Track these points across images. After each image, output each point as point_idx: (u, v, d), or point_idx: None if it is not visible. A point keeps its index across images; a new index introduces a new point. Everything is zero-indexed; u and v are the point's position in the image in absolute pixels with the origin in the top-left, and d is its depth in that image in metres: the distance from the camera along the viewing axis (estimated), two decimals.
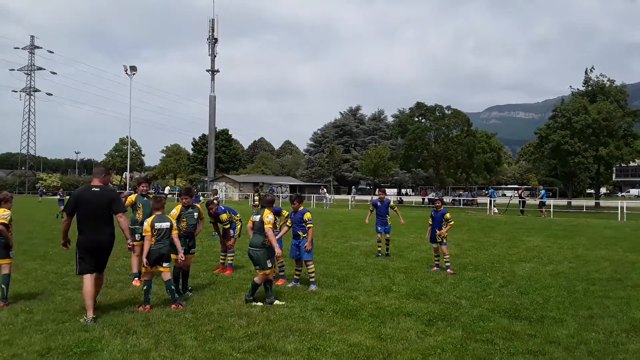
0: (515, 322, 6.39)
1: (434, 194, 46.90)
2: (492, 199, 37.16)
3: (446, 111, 54.12)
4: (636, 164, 51.09)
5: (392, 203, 12.59)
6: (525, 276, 9.74)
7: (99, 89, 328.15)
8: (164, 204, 7.31)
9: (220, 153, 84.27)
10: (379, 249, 12.26)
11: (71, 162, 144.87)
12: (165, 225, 7.00)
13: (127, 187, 63.13)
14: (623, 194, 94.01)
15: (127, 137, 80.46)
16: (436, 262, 10.47)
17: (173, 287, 7.07)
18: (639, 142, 46.06)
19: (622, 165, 51.56)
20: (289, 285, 8.54)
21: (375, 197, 13.20)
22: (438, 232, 10.29)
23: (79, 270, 6.59)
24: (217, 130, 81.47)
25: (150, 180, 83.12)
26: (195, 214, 8.00)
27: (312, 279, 8.37)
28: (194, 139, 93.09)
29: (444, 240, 10.27)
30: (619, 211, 29.48)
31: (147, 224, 6.98)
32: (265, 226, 7.26)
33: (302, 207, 8.67)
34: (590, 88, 47.13)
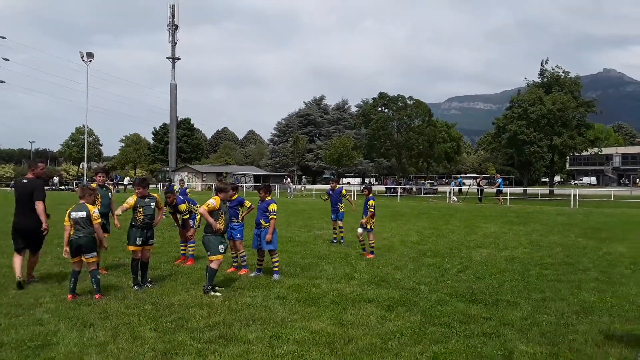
0: (471, 306, 6.59)
1: (391, 181, 47.77)
2: (460, 187, 38.10)
3: (408, 101, 54.85)
4: (588, 153, 53.16)
5: (343, 192, 13.02)
6: (482, 261, 10.04)
7: (54, 76, 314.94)
8: (89, 194, 7.25)
9: (182, 143, 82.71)
10: (334, 235, 12.78)
11: (25, 152, 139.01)
12: (81, 214, 6.93)
13: (85, 177, 61.19)
14: (576, 182, 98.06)
15: (83, 126, 77.87)
16: (363, 247, 10.69)
17: (99, 277, 7.06)
18: (591, 132, 47.95)
19: (576, 154, 53.60)
20: (252, 275, 8.51)
21: (328, 187, 13.63)
22: (363, 218, 10.49)
23: (14, 248, 7.71)
24: (179, 119, 79.89)
25: (109, 170, 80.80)
26: (153, 203, 7.81)
27: (276, 269, 8.38)
28: (154, 128, 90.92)
29: (370, 227, 10.52)
30: (572, 199, 30.75)
31: (66, 214, 6.99)
32: (201, 207, 7.34)
33: (269, 197, 8.64)
34: (545, 79, 48.59)
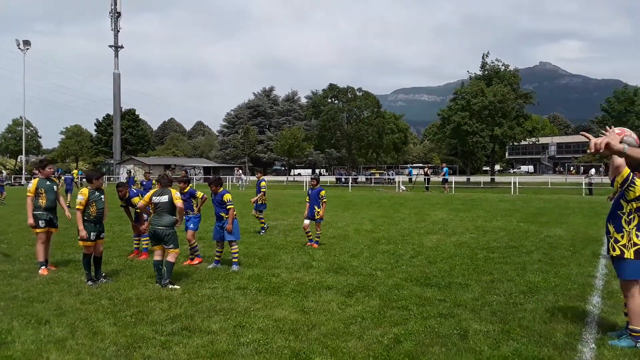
0: (426, 289, 6.88)
1: (341, 172, 48.40)
2: (411, 176, 39.12)
3: (358, 93, 55.52)
4: (526, 143, 55.84)
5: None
6: (433, 247, 10.45)
7: None
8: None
9: (127, 134, 79.96)
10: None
11: None
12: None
13: (23, 170, 57.93)
14: (515, 170, 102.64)
15: (21, 117, 73.52)
16: (309, 238, 10.73)
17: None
18: (529, 123, 50.33)
19: (515, 144, 56.12)
20: (210, 266, 8.46)
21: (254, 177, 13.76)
22: (317, 209, 10.60)
23: None
24: (123, 110, 77.04)
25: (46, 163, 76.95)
26: (103, 197, 7.60)
27: (235, 260, 8.37)
28: (97, 119, 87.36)
29: (322, 218, 10.71)
30: (512, 186, 32.32)
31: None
32: (176, 202, 7.25)
33: (221, 189, 8.60)
34: (486, 72, 50.50)
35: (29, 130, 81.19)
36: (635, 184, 4.71)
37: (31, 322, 5.50)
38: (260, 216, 13.15)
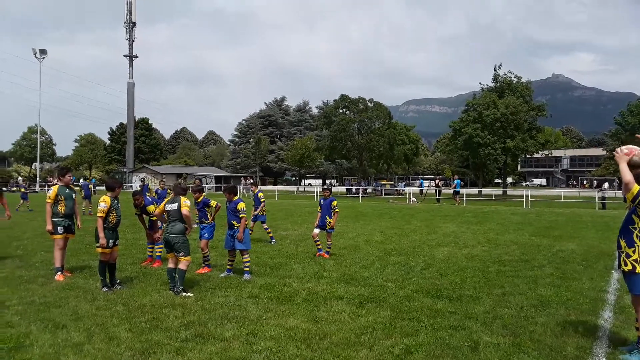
0: (437, 301, 6.91)
1: (351, 183, 48.60)
2: (421, 188, 39.08)
3: (369, 104, 55.66)
4: (539, 155, 55.48)
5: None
6: (444, 259, 10.45)
7: (2, 73, 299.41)
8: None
9: (139, 143, 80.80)
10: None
11: None
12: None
13: (38, 178, 58.78)
14: (527, 183, 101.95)
15: (36, 125, 74.73)
16: (319, 247, 10.73)
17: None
18: (542, 135, 50.05)
19: (527, 156, 55.80)
20: (222, 275, 8.55)
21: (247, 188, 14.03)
22: (328, 219, 10.60)
23: None
24: (136, 119, 77.99)
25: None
26: (119, 205, 7.80)
27: (247, 269, 8.45)
28: (110, 128, 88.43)
29: (333, 228, 10.68)
30: (524, 199, 32.11)
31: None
32: (182, 209, 7.30)
33: (236, 197, 8.72)
34: (498, 84, 50.34)
35: (43, 138, 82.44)
36: None
37: (48, 326, 5.63)
38: (265, 226, 13.37)
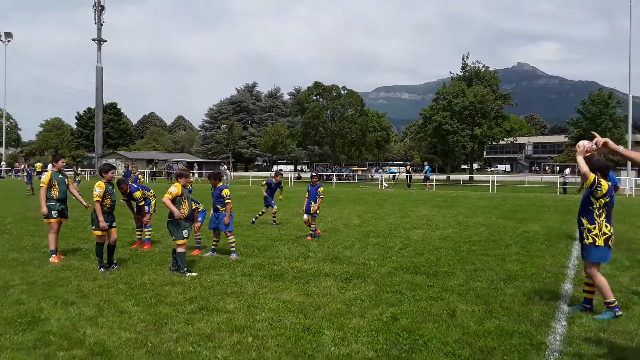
0: (416, 277, 7.55)
1: (320, 169, 49.58)
2: (394, 174, 40.20)
3: (342, 91, 56.19)
4: (504, 142, 57.32)
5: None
6: (419, 240, 11.15)
7: None
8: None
9: (108, 128, 79.28)
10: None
11: None
12: None
13: (2, 163, 57.08)
14: (492, 169, 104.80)
15: (1, 109, 72.24)
16: (311, 232, 11.33)
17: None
18: (507, 123, 51.76)
19: (493, 143, 57.58)
20: (207, 254, 9.01)
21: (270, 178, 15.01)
22: (313, 204, 11.18)
23: None
24: (105, 103, 76.28)
25: (28, 157, 75.67)
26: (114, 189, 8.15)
27: (232, 249, 8.94)
28: (78, 113, 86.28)
29: (317, 212, 11.26)
30: (490, 184, 33.41)
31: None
32: (165, 196, 7.61)
33: (220, 184, 9.14)
34: (467, 73, 51.69)
35: (8, 123, 79.76)
36: (601, 184, 5.63)
37: (58, 303, 5.98)
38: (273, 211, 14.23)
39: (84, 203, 8.96)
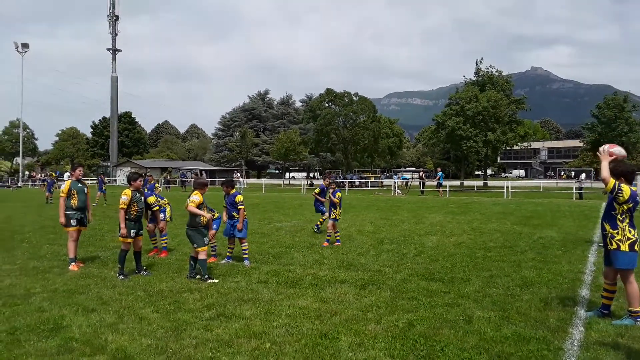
0: (431, 283, 7.55)
1: (334, 176, 49.65)
2: (407, 180, 40.26)
3: (354, 98, 56.31)
4: (518, 147, 56.87)
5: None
6: (434, 247, 11.13)
7: None
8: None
9: (123, 137, 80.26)
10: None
11: None
12: None
13: (20, 173, 58.01)
14: (506, 174, 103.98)
15: (17, 119, 73.64)
16: (337, 238, 11.55)
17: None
18: (521, 128, 51.35)
19: (507, 148, 57.19)
20: (222, 262, 9.11)
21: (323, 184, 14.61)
22: (334, 210, 11.37)
23: None
24: (119, 113, 77.34)
25: (44, 166, 76.84)
26: (142, 197, 8.35)
27: (246, 255, 9.04)
28: (93, 122, 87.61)
29: (337, 217, 11.50)
30: (505, 190, 33.15)
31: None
32: (189, 205, 7.81)
33: (233, 191, 9.26)
34: (480, 78, 51.50)
35: (25, 133, 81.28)
36: (622, 190, 5.62)
37: (79, 310, 6.10)
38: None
39: (90, 216, 9.20)
